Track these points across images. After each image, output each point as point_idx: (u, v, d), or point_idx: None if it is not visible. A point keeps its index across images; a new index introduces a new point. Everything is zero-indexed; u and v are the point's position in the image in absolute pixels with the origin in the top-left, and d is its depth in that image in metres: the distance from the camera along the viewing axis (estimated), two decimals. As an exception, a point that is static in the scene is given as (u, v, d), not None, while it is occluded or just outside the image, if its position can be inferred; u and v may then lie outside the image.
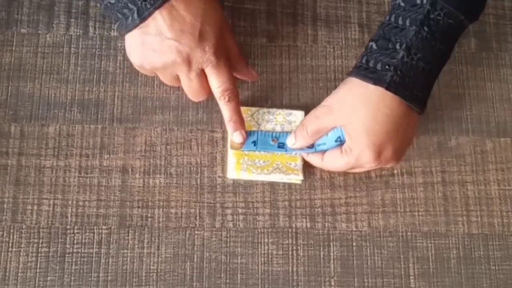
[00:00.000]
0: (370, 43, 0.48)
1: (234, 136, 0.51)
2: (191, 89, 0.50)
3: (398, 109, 0.47)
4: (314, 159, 0.51)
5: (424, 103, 0.48)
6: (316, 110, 0.50)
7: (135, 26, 0.46)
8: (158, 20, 0.46)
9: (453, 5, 0.46)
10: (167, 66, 0.48)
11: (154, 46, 0.47)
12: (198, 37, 0.47)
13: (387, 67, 0.46)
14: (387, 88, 0.46)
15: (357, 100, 0.47)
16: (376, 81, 0.46)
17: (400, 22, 0.47)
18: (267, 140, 0.52)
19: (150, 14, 0.46)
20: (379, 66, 0.47)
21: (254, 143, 0.52)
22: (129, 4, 0.46)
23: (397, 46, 0.46)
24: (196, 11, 0.47)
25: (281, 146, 0.52)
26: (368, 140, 0.47)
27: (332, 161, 0.50)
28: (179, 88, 0.53)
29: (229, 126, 0.51)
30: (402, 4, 0.47)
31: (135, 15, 0.46)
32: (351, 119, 0.47)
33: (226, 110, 0.50)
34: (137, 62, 0.49)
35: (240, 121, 0.51)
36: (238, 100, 0.51)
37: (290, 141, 0.51)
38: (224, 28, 0.49)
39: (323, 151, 0.50)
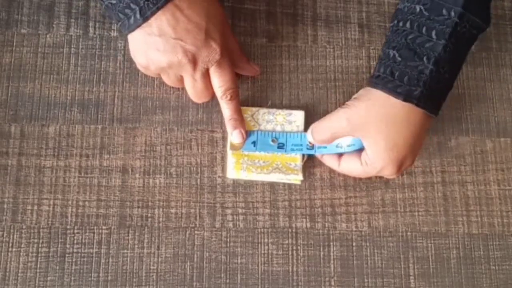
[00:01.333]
0: (391, 52, 0.46)
1: (234, 135, 0.51)
2: (195, 90, 0.50)
3: (422, 121, 0.46)
4: (329, 162, 0.51)
5: (440, 107, 0.48)
6: (331, 121, 0.49)
7: (138, 26, 0.46)
8: (162, 20, 0.46)
9: (479, 16, 0.45)
10: (172, 66, 0.47)
11: (159, 46, 0.46)
12: (204, 36, 0.46)
13: (415, 81, 0.45)
14: (417, 105, 0.45)
15: (382, 117, 0.46)
16: (406, 97, 0.45)
17: (425, 32, 0.45)
18: (266, 140, 0.52)
19: (152, 14, 0.45)
20: (406, 80, 0.45)
21: (254, 143, 0.52)
22: (131, 4, 0.45)
23: (425, 60, 0.45)
24: (200, 10, 0.47)
25: (281, 146, 0.52)
26: (392, 156, 0.46)
27: (349, 169, 0.50)
28: (179, 88, 0.53)
29: (229, 124, 0.51)
30: (426, 13, 0.45)
31: (138, 15, 0.46)
32: (376, 137, 0.46)
33: (227, 108, 0.50)
34: (143, 63, 0.48)
35: (240, 120, 0.51)
36: (239, 99, 0.51)
37: (308, 137, 0.51)
38: (226, 26, 0.49)
39: (322, 154, 0.51)
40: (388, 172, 0.47)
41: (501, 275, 0.52)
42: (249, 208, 0.52)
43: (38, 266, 0.49)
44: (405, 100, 0.45)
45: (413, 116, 0.46)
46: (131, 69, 0.54)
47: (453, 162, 0.54)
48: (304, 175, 0.52)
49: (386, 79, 0.46)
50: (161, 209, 0.51)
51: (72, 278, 0.49)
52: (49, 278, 0.49)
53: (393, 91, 0.45)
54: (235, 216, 0.52)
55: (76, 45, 0.55)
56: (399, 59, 0.46)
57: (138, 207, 0.51)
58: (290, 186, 0.53)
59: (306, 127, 0.53)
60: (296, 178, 0.52)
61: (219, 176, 0.52)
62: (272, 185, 0.52)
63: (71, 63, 0.54)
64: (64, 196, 0.51)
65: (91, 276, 0.49)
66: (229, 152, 0.52)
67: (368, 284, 0.51)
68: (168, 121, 0.53)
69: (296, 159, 0.52)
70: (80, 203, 0.51)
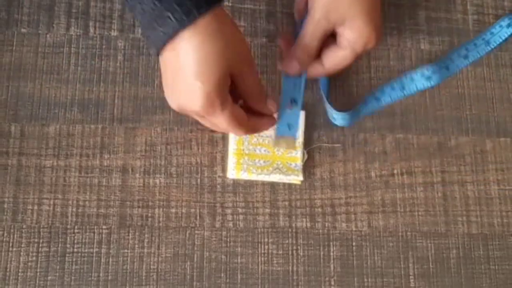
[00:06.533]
0: None
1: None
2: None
3: None
4: (314, 71, 0.50)
5: None
6: (310, 26, 0.48)
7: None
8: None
9: None
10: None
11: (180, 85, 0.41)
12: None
13: None
14: None
15: None
16: None
17: None
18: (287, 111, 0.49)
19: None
20: None
21: (289, 126, 0.51)
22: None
23: None
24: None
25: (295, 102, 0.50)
26: (369, 17, 0.46)
27: (336, 61, 0.48)
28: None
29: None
30: None
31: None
32: (352, 12, 0.46)
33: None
34: (174, 107, 0.44)
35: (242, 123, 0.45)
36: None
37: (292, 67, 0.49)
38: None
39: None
40: (373, 37, 0.47)
41: (501, 275, 0.52)
42: (249, 208, 0.52)
43: (39, 265, 0.49)
44: None
45: None
46: (131, 69, 0.54)
47: (453, 162, 0.54)
48: (304, 175, 0.52)
49: None
50: (161, 209, 0.51)
51: (73, 277, 0.49)
52: (49, 277, 0.49)
53: None
54: (235, 216, 0.52)
55: (76, 44, 0.55)
56: None
57: (138, 206, 0.51)
58: (290, 186, 0.53)
59: (306, 127, 0.53)
60: (297, 179, 0.52)
61: (219, 176, 0.52)
62: (272, 185, 0.53)
63: (71, 63, 0.54)
64: (64, 196, 0.51)
65: (91, 276, 0.49)
66: (230, 152, 0.52)
67: (368, 284, 0.51)
68: (168, 121, 0.53)
69: (296, 159, 0.52)
70: (81, 203, 0.51)
